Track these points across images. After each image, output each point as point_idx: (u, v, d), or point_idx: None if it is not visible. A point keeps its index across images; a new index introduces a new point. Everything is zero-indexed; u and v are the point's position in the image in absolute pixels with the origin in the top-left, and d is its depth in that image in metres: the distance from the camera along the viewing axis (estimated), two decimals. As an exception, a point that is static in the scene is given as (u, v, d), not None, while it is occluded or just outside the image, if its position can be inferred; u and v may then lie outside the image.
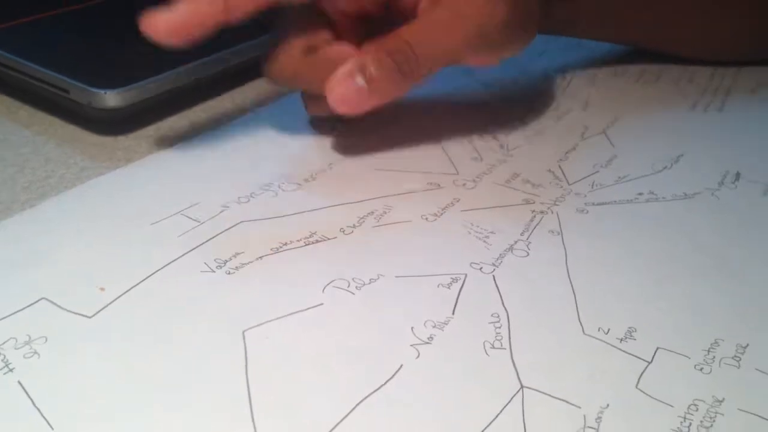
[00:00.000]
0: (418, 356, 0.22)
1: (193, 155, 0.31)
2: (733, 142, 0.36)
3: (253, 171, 0.30)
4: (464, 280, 0.25)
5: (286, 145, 0.32)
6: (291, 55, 0.29)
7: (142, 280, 0.23)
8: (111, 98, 0.30)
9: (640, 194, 0.31)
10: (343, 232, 0.27)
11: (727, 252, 0.28)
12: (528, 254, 0.27)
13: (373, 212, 0.28)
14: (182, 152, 0.31)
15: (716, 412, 0.21)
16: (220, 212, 0.27)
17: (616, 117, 0.37)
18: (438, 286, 0.25)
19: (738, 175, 0.33)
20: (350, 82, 0.27)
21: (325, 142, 0.33)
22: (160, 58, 0.33)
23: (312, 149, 0.32)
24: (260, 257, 0.25)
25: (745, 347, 0.23)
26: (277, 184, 0.29)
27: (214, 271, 0.24)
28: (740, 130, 0.38)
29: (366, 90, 0.28)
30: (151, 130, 0.32)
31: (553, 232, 0.28)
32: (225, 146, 0.32)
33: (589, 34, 0.42)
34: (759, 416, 0.21)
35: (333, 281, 0.25)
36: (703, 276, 0.27)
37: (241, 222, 0.27)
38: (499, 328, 0.23)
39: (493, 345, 0.23)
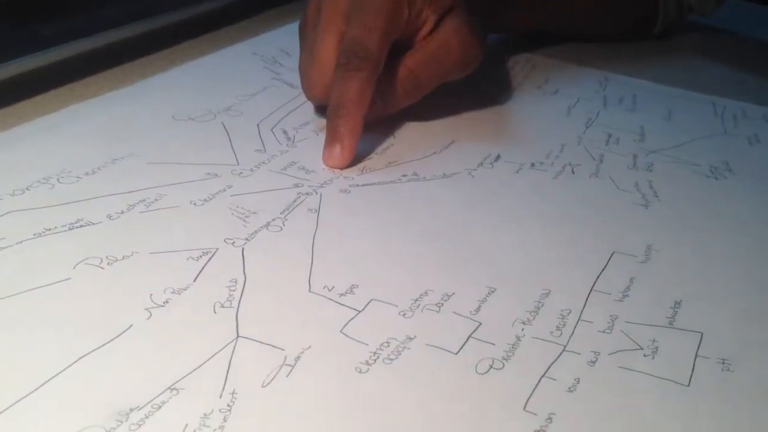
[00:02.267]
0: (150, 317, 0.24)
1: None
2: (502, 130, 0.41)
3: (31, 166, 0.32)
4: (214, 253, 0.28)
5: (72, 145, 0.34)
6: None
7: None
8: None
9: (404, 176, 0.35)
10: (110, 217, 0.29)
11: (464, 219, 0.32)
12: (282, 229, 0.30)
13: (144, 200, 0.31)
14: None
15: (404, 347, 0.24)
16: (-9, 204, 0.29)
17: (404, 110, 0.41)
18: (187, 259, 0.28)
19: (498, 157, 0.37)
20: (333, 152, 0.35)
21: (110, 140, 0.35)
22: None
23: (97, 146, 0.34)
24: (20, 242, 0.27)
25: (450, 296, 0.27)
26: (56, 178, 0.31)
27: (-30, 255, 0.26)
28: (512, 119, 0.42)
29: (339, 153, 0.35)
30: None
31: (311, 210, 0.31)
32: (10, 147, 0.34)
33: (518, 32, 0.54)
34: (441, 348, 0.24)
35: (86, 259, 0.27)
36: (433, 238, 0.30)
37: (10, 212, 0.29)
38: (234, 290, 0.26)
39: (223, 305, 0.25)
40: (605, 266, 0.30)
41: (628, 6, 0.55)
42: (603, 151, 0.39)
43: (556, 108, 0.44)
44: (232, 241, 0.29)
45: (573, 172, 0.37)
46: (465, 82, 0.44)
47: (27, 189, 0.30)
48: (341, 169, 0.35)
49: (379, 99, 0.37)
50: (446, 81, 0.39)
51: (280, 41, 0.49)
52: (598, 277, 0.29)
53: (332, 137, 0.35)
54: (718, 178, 0.37)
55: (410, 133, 0.39)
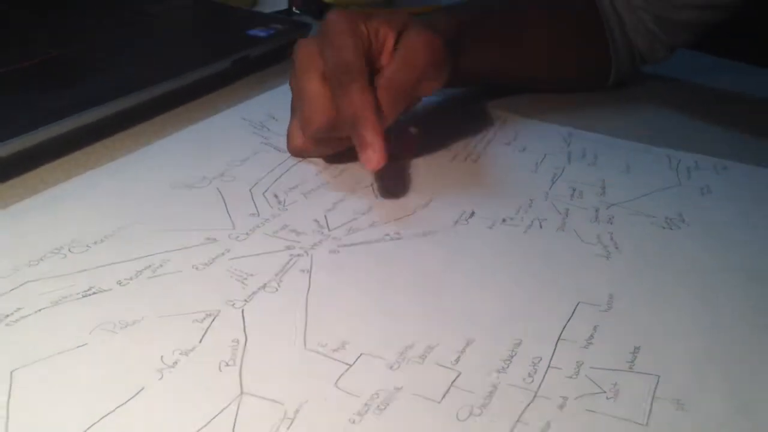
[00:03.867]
0: (161, 378, 0.27)
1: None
2: (476, 188, 0.44)
3: (44, 237, 0.34)
4: (216, 315, 0.31)
5: (80, 215, 0.37)
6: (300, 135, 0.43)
7: (-75, 337, 0.28)
8: None
9: (387, 235, 0.38)
10: (120, 284, 0.32)
11: (443, 275, 0.35)
12: (277, 290, 0.33)
13: (150, 266, 0.33)
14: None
15: (393, 398, 0.27)
16: (10, 275, 0.32)
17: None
18: (193, 321, 0.30)
19: (473, 214, 0.41)
20: (369, 156, 0.39)
21: (115, 209, 0.38)
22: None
23: (104, 216, 0.37)
24: (39, 310, 0.30)
25: (433, 347, 0.30)
26: (68, 248, 0.34)
27: (-6, 325, 0.29)
28: (485, 177, 0.46)
29: (374, 155, 0.39)
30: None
31: (303, 270, 0.34)
32: (21, 219, 0.36)
33: (479, 81, 0.57)
34: (426, 398, 0.27)
35: (100, 324, 0.29)
36: (415, 294, 0.33)
37: (27, 282, 0.31)
38: (236, 350, 0.29)
39: (227, 363, 0.28)
40: (571, 316, 0.33)
41: (581, 55, 0.59)
42: (568, 205, 0.43)
43: (525, 164, 0.47)
44: (232, 303, 0.32)
45: (541, 227, 0.40)
46: (440, 141, 0.47)
47: (41, 259, 0.33)
48: (380, 168, 0.39)
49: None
50: (426, 86, 0.43)
51: (267, 106, 0.52)
52: (565, 326, 0.32)
53: (362, 145, 0.39)
54: (672, 229, 0.41)
55: (390, 191, 0.42)
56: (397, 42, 0.42)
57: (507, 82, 0.58)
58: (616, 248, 0.38)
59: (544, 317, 0.33)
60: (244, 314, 0.31)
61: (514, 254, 0.37)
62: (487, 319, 0.32)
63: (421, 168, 0.45)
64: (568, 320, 0.32)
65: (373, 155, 0.39)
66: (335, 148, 0.44)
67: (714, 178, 0.48)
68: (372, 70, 0.41)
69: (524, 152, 0.49)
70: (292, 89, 0.44)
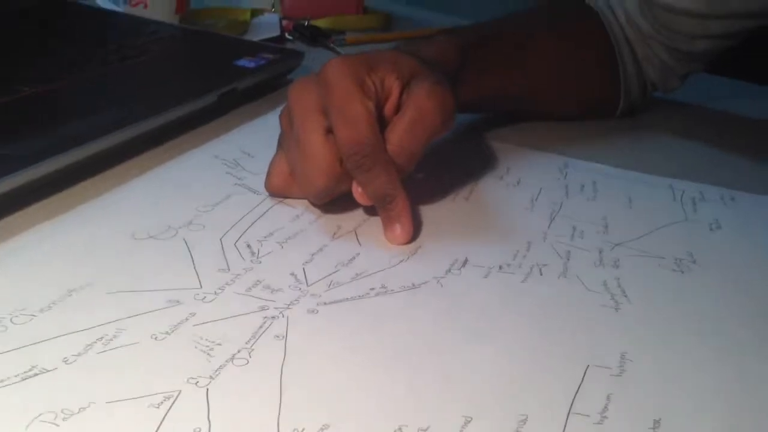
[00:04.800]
0: (109, 483, 0.23)
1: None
2: (468, 231, 0.40)
3: (-17, 307, 0.30)
4: (176, 397, 0.27)
5: (28, 276, 0.33)
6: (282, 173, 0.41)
7: None
8: None
9: (372, 289, 0.34)
10: (66, 361, 0.28)
11: (435, 336, 0.31)
12: (248, 362, 0.29)
13: (102, 338, 0.29)
14: None
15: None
16: (-61, 356, 0.28)
17: (369, 215, 0.41)
18: (148, 407, 0.26)
19: (466, 261, 0.37)
20: (395, 232, 0.38)
21: (67, 268, 0.33)
22: None
23: (53, 277, 0.33)
24: (-31, 399, 0.26)
25: (426, 429, 0.26)
26: (10, 318, 0.30)
27: None
28: (477, 217, 0.42)
29: (400, 231, 0.38)
30: None
31: (278, 336, 0.31)
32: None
33: (480, 109, 0.55)
34: (419, 497, 0.23)
35: (40, 415, 0.25)
36: (404, 361, 0.29)
37: (-41, 363, 0.27)
38: (198, 442, 0.25)
39: (187, 461, 0.24)
40: (581, 383, 0.29)
41: (590, 83, 0.56)
42: (569, 246, 0.39)
43: (520, 200, 0.44)
44: (195, 381, 0.28)
45: (541, 273, 0.36)
46: (426, 177, 0.44)
47: (-23, 334, 0.29)
48: (407, 244, 0.38)
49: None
50: (433, 140, 0.39)
51: (242, 142, 0.48)
52: (574, 397, 0.28)
53: (388, 221, 0.38)
54: (683, 272, 0.37)
55: (376, 240, 0.39)
56: (402, 92, 0.39)
57: (511, 109, 0.55)
58: (625, 296, 0.35)
59: (551, 386, 0.29)
60: (209, 395, 0.27)
61: (513, 308, 0.34)
62: (486, 390, 0.28)
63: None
64: (578, 389, 0.29)
65: (400, 232, 0.38)
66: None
67: (722, 210, 0.44)
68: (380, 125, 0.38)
69: (518, 186, 0.46)
70: (282, 128, 0.40)
